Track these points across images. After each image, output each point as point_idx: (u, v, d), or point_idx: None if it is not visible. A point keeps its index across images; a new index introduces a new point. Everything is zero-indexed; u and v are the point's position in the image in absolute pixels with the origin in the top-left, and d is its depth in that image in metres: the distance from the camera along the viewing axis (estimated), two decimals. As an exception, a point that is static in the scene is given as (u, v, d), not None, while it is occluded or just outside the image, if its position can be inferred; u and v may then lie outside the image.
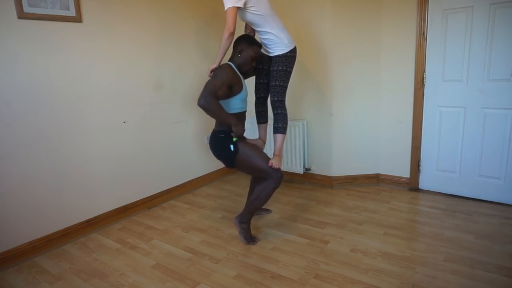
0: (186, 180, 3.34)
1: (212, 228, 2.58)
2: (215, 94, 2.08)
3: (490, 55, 2.55)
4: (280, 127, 2.34)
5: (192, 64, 3.27)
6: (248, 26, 2.44)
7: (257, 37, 2.42)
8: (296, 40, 2.49)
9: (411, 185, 3.09)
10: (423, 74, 2.85)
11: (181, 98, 3.20)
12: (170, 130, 3.14)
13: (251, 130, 3.57)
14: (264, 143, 2.58)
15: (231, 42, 2.20)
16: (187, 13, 3.16)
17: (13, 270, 2.14)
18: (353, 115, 3.15)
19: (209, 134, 2.39)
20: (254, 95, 2.56)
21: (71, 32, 2.36)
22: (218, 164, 3.60)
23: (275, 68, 2.32)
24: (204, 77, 3.32)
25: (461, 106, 2.74)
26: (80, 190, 2.52)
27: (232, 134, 2.21)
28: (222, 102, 2.23)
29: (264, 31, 2.28)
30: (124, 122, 2.75)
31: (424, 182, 3.04)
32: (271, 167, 2.16)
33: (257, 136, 2.73)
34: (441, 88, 2.81)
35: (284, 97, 2.35)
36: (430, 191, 3.02)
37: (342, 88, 3.10)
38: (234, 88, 2.20)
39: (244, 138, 2.43)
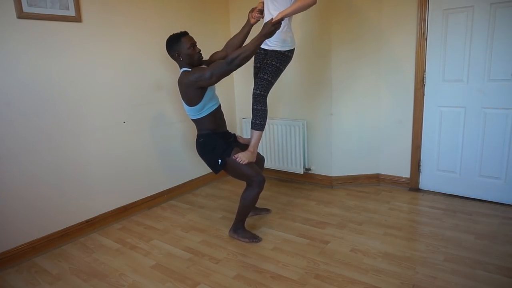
0: (186, 180, 3.34)
1: (212, 228, 2.57)
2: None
3: (491, 55, 2.55)
4: (258, 123, 2.31)
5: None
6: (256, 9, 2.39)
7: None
8: (295, 39, 2.48)
9: (411, 185, 3.09)
10: (423, 74, 2.85)
11: (181, 98, 3.19)
12: (170, 130, 3.13)
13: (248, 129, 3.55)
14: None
15: (307, 8, 2.12)
16: (187, 12, 3.16)
17: (13, 270, 2.14)
18: (353, 115, 3.14)
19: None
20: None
21: (71, 32, 2.36)
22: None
23: (268, 61, 2.30)
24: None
25: (462, 106, 2.74)
26: (80, 190, 2.51)
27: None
28: (194, 109, 2.24)
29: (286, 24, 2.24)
30: (124, 122, 2.75)
31: (424, 182, 3.04)
32: (253, 172, 2.20)
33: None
34: (441, 88, 2.80)
35: (267, 93, 2.31)
36: (430, 191, 3.01)
37: (342, 88, 3.09)
38: (202, 89, 2.20)
39: (237, 140, 2.44)
